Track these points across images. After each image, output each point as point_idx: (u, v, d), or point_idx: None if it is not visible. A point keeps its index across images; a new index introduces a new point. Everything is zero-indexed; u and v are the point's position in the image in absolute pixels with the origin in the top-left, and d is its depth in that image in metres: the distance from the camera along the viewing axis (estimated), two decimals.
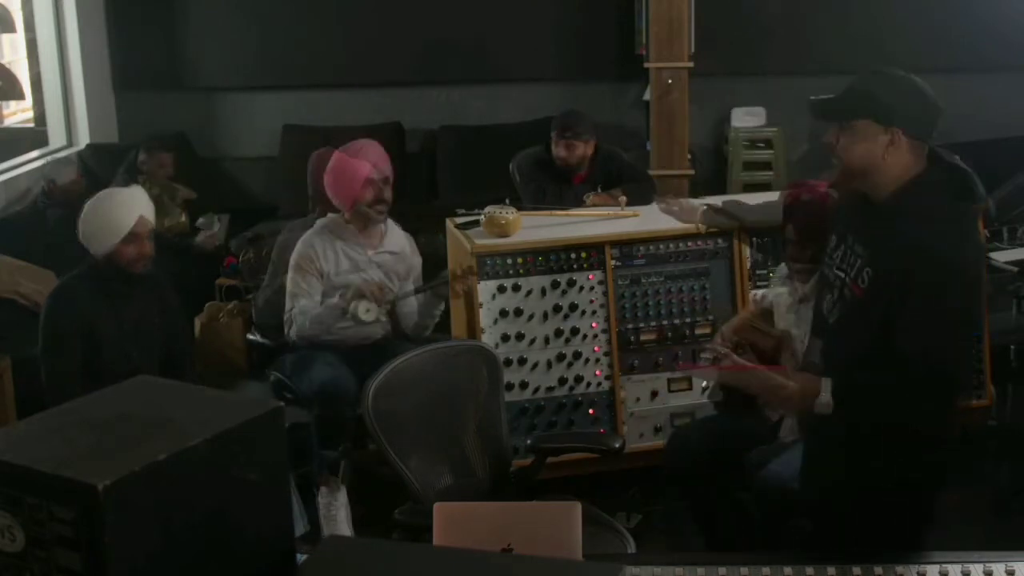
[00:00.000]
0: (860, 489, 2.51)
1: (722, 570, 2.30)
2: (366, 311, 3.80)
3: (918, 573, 2.29)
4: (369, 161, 4.01)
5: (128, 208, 3.62)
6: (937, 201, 2.42)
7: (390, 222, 4.19)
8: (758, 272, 4.28)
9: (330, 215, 4.15)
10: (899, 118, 2.43)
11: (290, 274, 4.05)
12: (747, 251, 4.32)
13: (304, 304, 3.98)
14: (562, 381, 4.21)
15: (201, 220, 6.03)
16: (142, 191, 3.81)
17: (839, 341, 2.52)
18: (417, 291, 4.08)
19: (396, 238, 4.19)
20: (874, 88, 2.49)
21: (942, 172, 2.46)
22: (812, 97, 2.56)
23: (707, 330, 4.28)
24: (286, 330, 4.02)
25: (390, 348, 3.87)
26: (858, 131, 2.45)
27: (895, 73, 2.52)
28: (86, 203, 3.74)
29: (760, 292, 3.87)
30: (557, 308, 4.19)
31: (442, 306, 4.09)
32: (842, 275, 2.54)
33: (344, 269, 4.03)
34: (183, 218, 6.16)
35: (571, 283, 4.21)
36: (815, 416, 2.52)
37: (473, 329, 4.15)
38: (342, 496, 3.92)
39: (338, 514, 3.89)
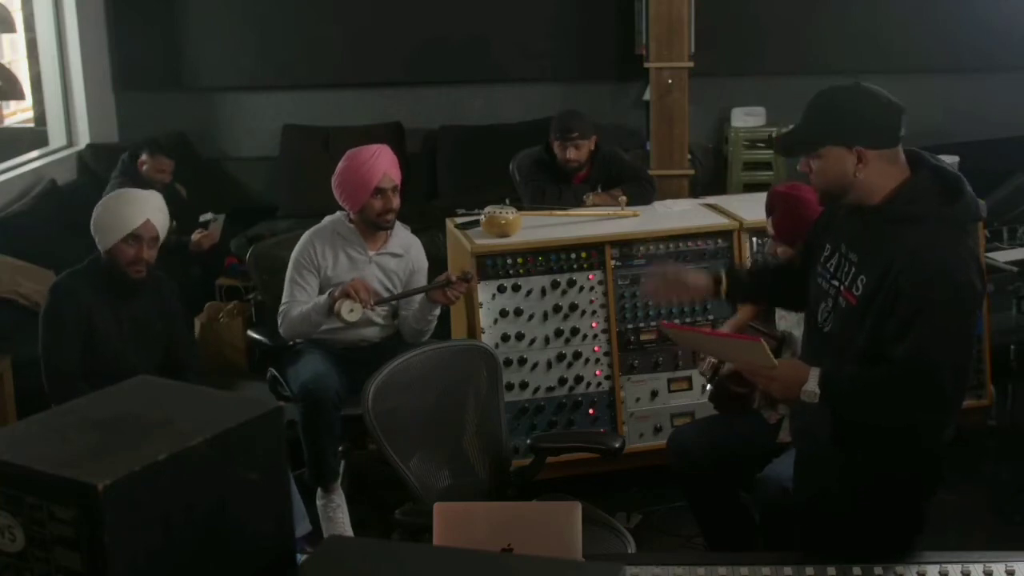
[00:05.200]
0: (850, 491, 2.51)
1: (722, 570, 2.30)
2: (349, 311, 3.78)
3: (918, 573, 2.29)
4: (380, 169, 3.98)
5: (138, 209, 3.62)
6: (927, 205, 2.41)
7: (397, 224, 4.17)
8: None
9: (338, 214, 4.14)
10: (861, 136, 2.41)
11: (289, 270, 4.05)
12: (747, 251, 4.32)
13: (299, 300, 3.98)
14: (562, 381, 4.22)
15: (202, 217, 6.02)
16: (159, 197, 3.80)
17: (833, 350, 2.51)
18: (397, 297, 4.05)
19: (402, 240, 4.17)
20: (828, 112, 2.47)
21: (929, 176, 2.45)
22: (776, 133, 2.55)
23: (707, 330, 4.28)
24: (279, 322, 4.03)
25: (389, 349, 3.86)
26: (825, 158, 2.45)
27: (845, 88, 2.48)
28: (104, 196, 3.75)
29: None
30: (557, 308, 4.19)
31: (437, 311, 4.06)
32: (836, 284, 2.53)
33: (342, 268, 4.03)
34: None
35: (571, 283, 4.21)
36: (804, 418, 2.52)
37: (473, 329, 4.16)
38: (340, 496, 3.93)
39: (335, 514, 3.90)
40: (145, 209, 3.64)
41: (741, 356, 2.61)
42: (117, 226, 3.59)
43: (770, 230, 3.44)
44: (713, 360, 3.39)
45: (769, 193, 3.47)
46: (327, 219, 4.14)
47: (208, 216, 5.86)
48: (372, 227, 4.05)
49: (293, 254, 4.06)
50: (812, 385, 2.40)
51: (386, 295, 4.03)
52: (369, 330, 4.10)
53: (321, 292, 3.98)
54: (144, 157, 5.81)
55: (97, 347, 3.61)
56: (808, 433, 2.64)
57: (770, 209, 3.40)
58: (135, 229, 3.58)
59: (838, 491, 2.53)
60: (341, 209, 4.12)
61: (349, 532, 3.89)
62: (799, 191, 3.33)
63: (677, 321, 4.29)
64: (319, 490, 3.91)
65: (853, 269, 2.48)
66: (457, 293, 3.93)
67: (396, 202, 4.04)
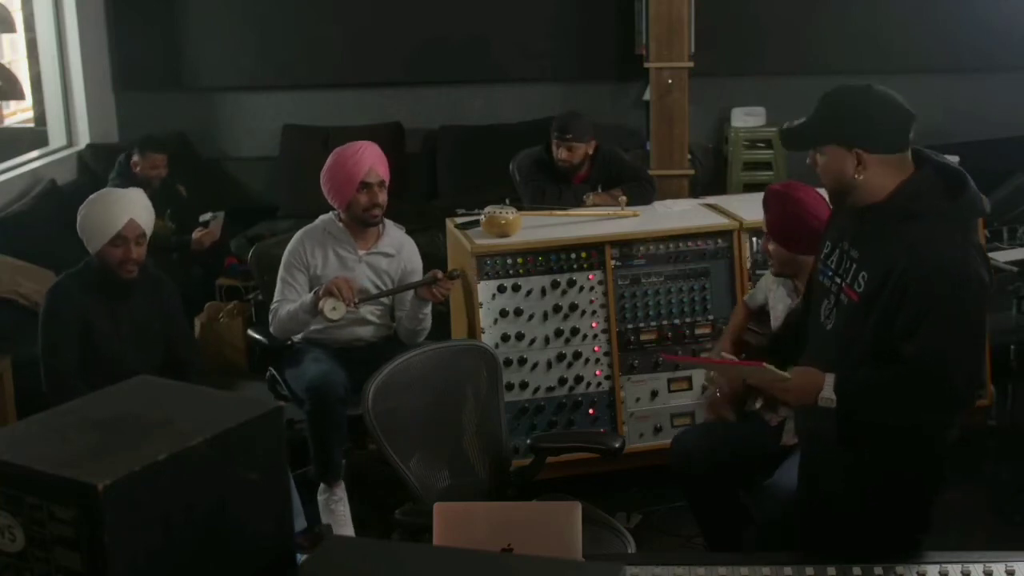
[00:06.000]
0: (858, 491, 2.51)
1: (722, 570, 2.30)
2: (332, 309, 3.78)
3: (918, 573, 2.29)
4: (366, 164, 3.99)
5: (119, 210, 3.61)
6: (930, 201, 2.41)
7: (389, 224, 4.17)
8: (758, 272, 4.28)
9: (330, 213, 4.14)
10: (860, 138, 2.42)
11: (280, 269, 4.07)
12: (747, 251, 4.32)
13: (288, 299, 3.99)
14: (562, 381, 4.22)
15: (202, 217, 6.02)
16: (140, 193, 3.79)
17: (837, 347, 2.52)
18: (382, 294, 4.05)
19: (393, 240, 4.17)
20: (835, 111, 2.47)
21: (932, 173, 2.46)
22: (784, 126, 2.56)
23: (707, 330, 4.29)
24: (270, 320, 4.03)
25: (387, 349, 3.86)
26: (828, 155, 2.47)
27: (857, 89, 2.48)
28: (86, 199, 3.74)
29: (748, 293, 3.86)
30: (557, 308, 4.19)
31: (427, 309, 4.06)
32: (838, 281, 2.54)
33: (332, 267, 4.03)
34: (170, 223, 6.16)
35: (571, 283, 4.21)
36: (810, 420, 2.51)
37: (473, 329, 4.16)
38: (342, 490, 3.93)
39: (337, 507, 3.90)
40: (126, 209, 3.62)
41: (752, 377, 2.62)
42: (101, 230, 3.58)
43: (764, 228, 3.45)
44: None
45: (765, 191, 3.49)
46: (319, 219, 4.15)
47: (208, 215, 5.86)
48: (360, 224, 4.05)
49: (284, 253, 4.09)
50: (828, 392, 2.40)
51: (374, 292, 4.03)
52: (364, 329, 4.10)
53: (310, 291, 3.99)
54: (136, 158, 5.80)
55: (96, 348, 3.62)
56: (814, 434, 2.64)
57: (765, 207, 3.41)
58: (119, 231, 3.57)
59: (845, 491, 2.53)
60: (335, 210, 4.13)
61: (350, 525, 3.90)
62: (793, 190, 3.34)
63: (677, 322, 4.29)
64: (321, 484, 3.92)
65: (854, 266, 2.48)
66: (444, 290, 3.93)
67: (383, 198, 4.03)
